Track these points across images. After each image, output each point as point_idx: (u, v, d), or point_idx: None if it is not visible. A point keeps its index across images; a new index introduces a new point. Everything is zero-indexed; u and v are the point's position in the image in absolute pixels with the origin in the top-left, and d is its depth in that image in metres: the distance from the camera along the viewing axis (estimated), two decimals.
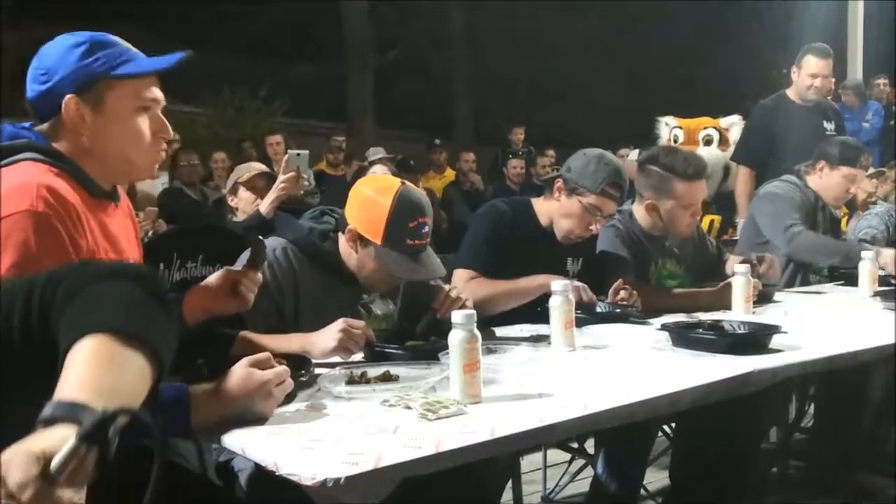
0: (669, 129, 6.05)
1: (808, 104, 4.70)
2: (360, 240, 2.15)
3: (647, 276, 3.06)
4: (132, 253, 1.68)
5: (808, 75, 4.64)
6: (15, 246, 1.32)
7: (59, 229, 1.39)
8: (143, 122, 1.60)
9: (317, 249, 2.19)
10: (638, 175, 3.14)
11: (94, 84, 1.53)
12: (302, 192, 3.08)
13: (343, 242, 2.20)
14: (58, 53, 1.54)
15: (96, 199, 1.56)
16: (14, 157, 1.47)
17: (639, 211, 3.08)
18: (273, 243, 2.15)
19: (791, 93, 4.77)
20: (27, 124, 1.57)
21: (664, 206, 3.00)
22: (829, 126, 4.74)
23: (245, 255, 2.10)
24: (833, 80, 4.86)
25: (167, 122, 1.66)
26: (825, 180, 3.67)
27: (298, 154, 3.10)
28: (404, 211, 2.09)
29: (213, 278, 1.82)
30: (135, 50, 1.61)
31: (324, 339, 1.93)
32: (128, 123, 1.57)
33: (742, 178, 4.89)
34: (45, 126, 1.56)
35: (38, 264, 1.32)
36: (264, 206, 2.99)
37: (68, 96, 1.53)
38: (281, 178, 3.03)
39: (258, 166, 3.63)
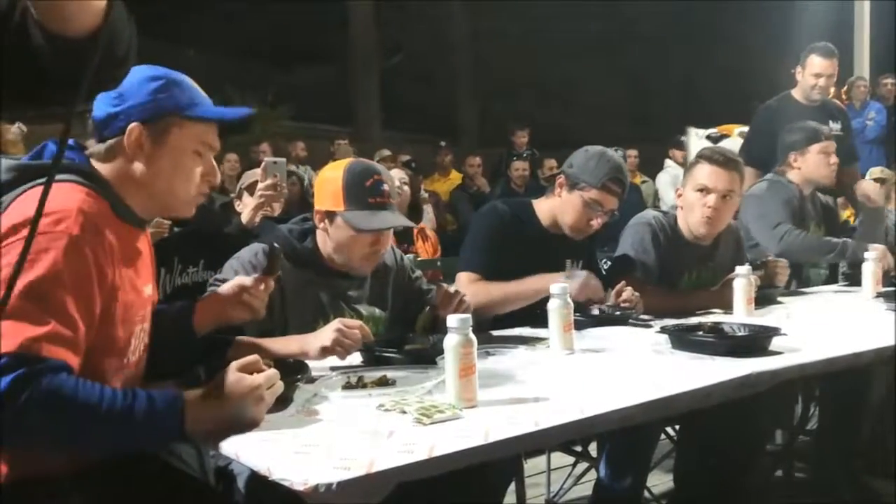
0: (699, 137, 6.09)
1: (813, 104, 4.67)
2: (327, 217, 2.19)
3: (678, 281, 3.03)
4: (147, 278, 1.70)
5: (812, 75, 4.61)
6: (44, 262, 1.35)
7: (89, 255, 1.41)
8: (197, 164, 1.65)
9: (295, 249, 2.21)
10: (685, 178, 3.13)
11: (161, 118, 1.59)
12: (282, 199, 3.06)
13: (319, 233, 2.24)
14: (134, 82, 1.58)
15: (128, 226, 1.59)
16: (56, 177, 1.49)
17: (680, 214, 3.05)
18: (254, 248, 2.18)
19: (796, 93, 4.74)
20: (71, 141, 1.60)
21: (685, 192, 2.99)
22: (836, 126, 4.70)
23: (231, 263, 2.13)
24: (835, 77, 4.82)
25: (217, 168, 1.72)
26: (805, 167, 3.65)
27: (275, 162, 3.09)
28: (357, 173, 2.17)
29: (225, 288, 1.85)
30: (203, 94, 1.67)
31: (319, 339, 1.95)
32: (182, 161, 1.62)
33: (747, 180, 4.86)
34: (101, 146, 1.60)
35: (61, 284, 1.36)
36: (245, 215, 3.00)
37: (134, 123, 1.57)
38: (259, 186, 3.03)
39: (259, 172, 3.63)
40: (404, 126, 14.47)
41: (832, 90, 4.89)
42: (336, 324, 1.95)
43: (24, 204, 1.44)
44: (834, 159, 3.70)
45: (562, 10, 15.51)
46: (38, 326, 1.32)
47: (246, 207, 3.41)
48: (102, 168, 1.58)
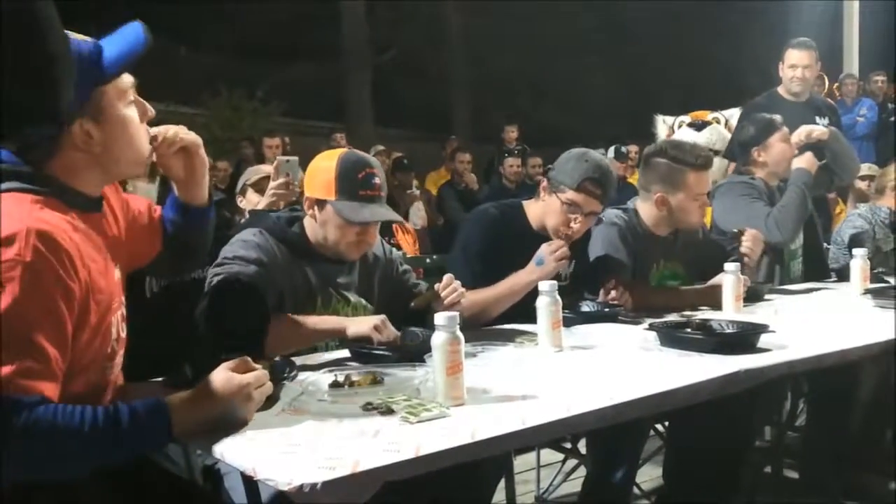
0: (668, 125, 6.05)
1: (799, 99, 4.68)
2: (317, 205, 2.22)
3: (648, 275, 3.05)
4: (116, 256, 1.63)
5: (788, 67, 4.66)
6: (2, 297, 1.28)
7: (48, 279, 1.34)
8: (134, 113, 1.57)
9: (285, 234, 2.26)
10: (643, 170, 3.13)
11: (88, 98, 1.49)
12: (294, 197, 3.08)
13: (308, 222, 2.28)
14: None
15: (87, 214, 1.53)
16: None
17: (643, 208, 3.07)
18: (249, 231, 2.23)
19: (781, 90, 4.77)
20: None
21: (675, 198, 2.99)
22: (823, 121, 4.71)
23: (233, 246, 2.17)
24: (818, 69, 4.82)
25: (143, 101, 1.61)
26: (770, 159, 3.58)
27: (288, 160, 3.12)
28: (350, 165, 2.20)
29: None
30: (86, 37, 1.51)
31: (359, 323, 2.10)
32: (126, 122, 1.54)
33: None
34: (35, 149, 1.48)
35: (24, 317, 1.29)
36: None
37: (75, 123, 1.47)
38: (272, 185, 3.06)
39: (266, 169, 3.64)
40: (397, 123, 14.46)
41: (813, 82, 4.86)
42: (382, 317, 2.09)
43: None
44: (796, 140, 3.66)
45: (556, 7, 15.52)
46: (7, 366, 1.26)
47: (250, 204, 3.41)
48: (46, 166, 1.47)
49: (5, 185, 1.41)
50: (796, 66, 4.62)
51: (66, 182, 1.49)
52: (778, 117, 3.68)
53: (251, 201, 3.43)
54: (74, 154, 1.49)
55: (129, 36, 1.53)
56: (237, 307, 2.00)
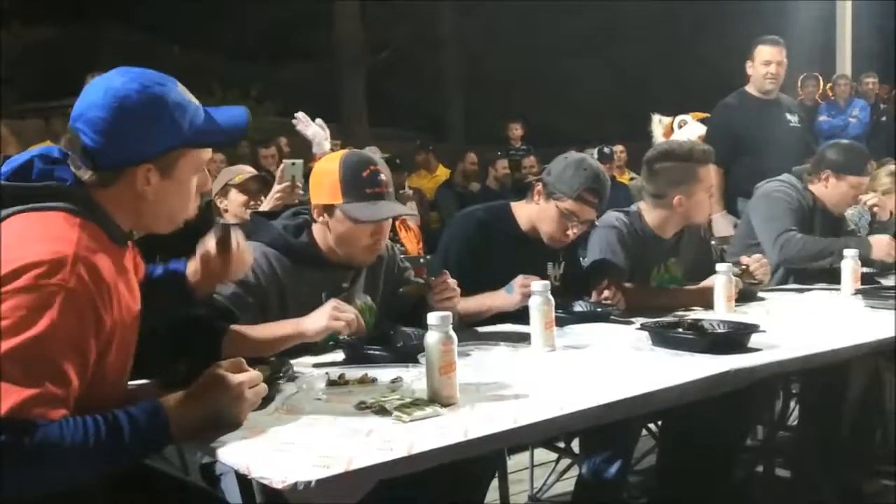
0: (663, 124, 6.06)
1: (769, 98, 4.70)
2: (326, 211, 2.19)
3: (648, 278, 3.05)
4: (137, 290, 1.65)
5: (762, 63, 4.64)
6: (39, 320, 1.29)
7: (86, 306, 1.36)
8: (195, 182, 1.62)
9: (291, 246, 2.21)
10: (649, 178, 3.07)
11: (168, 151, 1.53)
12: (297, 200, 3.10)
13: (317, 228, 2.24)
14: (136, 113, 1.48)
15: (120, 248, 1.55)
16: (46, 203, 1.44)
17: (650, 212, 3.06)
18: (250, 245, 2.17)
19: (750, 88, 4.77)
20: (54, 149, 1.54)
21: (692, 197, 2.98)
22: (793, 119, 4.75)
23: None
24: (786, 66, 4.79)
25: (208, 174, 1.67)
26: (831, 190, 3.51)
27: (293, 164, 3.15)
28: (353, 166, 2.17)
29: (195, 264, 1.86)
30: (194, 102, 1.58)
31: (315, 319, 1.99)
32: (186, 186, 1.59)
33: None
34: (94, 175, 1.50)
35: (56, 343, 1.31)
36: (237, 213, 3.02)
37: (144, 166, 1.50)
38: (276, 188, 3.08)
39: (250, 169, 3.64)
40: (391, 123, 14.47)
41: (783, 79, 4.85)
42: (332, 302, 2.01)
43: (13, 238, 1.37)
44: (861, 196, 3.60)
45: (553, 7, 15.54)
46: (30, 389, 1.27)
47: (233, 204, 3.40)
48: (94, 192, 1.50)
49: (55, 204, 1.44)
50: (770, 61, 4.61)
51: (108, 212, 1.52)
52: (873, 165, 3.64)
53: (235, 201, 3.40)
54: (126, 191, 1.52)
55: (233, 117, 1.62)
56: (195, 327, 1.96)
